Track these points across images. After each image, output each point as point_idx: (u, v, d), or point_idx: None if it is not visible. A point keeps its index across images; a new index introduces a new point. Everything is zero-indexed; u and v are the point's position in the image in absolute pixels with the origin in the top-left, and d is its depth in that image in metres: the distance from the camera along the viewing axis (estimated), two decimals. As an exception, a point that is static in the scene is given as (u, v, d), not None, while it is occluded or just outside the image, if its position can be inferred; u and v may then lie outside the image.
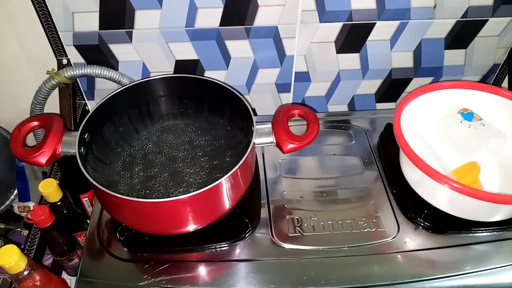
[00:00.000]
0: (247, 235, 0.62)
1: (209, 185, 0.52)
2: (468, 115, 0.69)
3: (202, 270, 0.59)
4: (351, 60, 0.80)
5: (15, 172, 0.84)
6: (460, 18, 0.74)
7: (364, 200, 0.67)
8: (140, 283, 0.57)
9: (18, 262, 0.52)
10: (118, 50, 0.74)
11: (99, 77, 0.75)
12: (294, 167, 0.74)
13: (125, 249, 0.61)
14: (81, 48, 0.73)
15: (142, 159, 0.68)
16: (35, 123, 0.61)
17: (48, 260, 0.73)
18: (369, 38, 0.76)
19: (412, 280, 0.57)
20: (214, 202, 0.57)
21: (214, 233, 0.61)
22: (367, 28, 0.74)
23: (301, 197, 0.68)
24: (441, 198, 0.61)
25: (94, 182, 0.53)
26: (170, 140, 0.71)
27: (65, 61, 0.74)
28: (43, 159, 0.57)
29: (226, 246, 0.61)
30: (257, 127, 0.60)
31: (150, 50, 0.74)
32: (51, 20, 0.68)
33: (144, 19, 0.69)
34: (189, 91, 0.70)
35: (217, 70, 0.79)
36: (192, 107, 0.72)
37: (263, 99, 0.85)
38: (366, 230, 0.63)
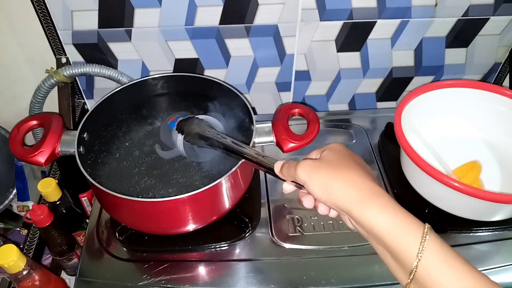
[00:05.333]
0: (247, 234, 0.62)
1: (208, 184, 0.52)
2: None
3: (202, 270, 0.59)
4: (352, 59, 0.79)
5: (14, 172, 0.84)
6: (461, 16, 0.74)
7: (365, 199, 0.67)
8: (140, 283, 0.56)
9: (17, 262, 0.52)
10: (117, 48, 0.74)
11: (98, 76, 0.75)
12: (294, 166, 0.73)
13: (125, 248, 0.61)
14: (80, 47, 0.73)
15: (141, 158, 0.68)
16: (34, 122, 0.61)
17: (47, 259, 0.73)
18: (369, 37, 0.76)
19: (413, 280, 0.57)
20: (214, 201, 0.57)
21: (214, 233, 0.61)
22: (368, 27, 0.74)
23: (301, 196, 0.68)
24: (442, 197, 0.61)
25: (93, 182, 0.53)
26: (170, 139, 0.71)
27: (64, 60, 0.73)
28: (42, 158, 0.57)
29: (226, 246, 0.61)
30: (257, 126, 0.60)
31: (149, 49, 0.74)
32: (50, 18, 0.68)
33: (144, 18, 0.69)
34: (188, 90, 0.70)
35: (217, 69, 0.78)
36: (192, 106, 0.72)
37: (263, 98, 0.85)
38: (366, 230, 0.62)
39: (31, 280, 0.55)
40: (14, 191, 0.86)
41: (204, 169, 0.65)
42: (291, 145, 0.59)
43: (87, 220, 0.74)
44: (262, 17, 0.70)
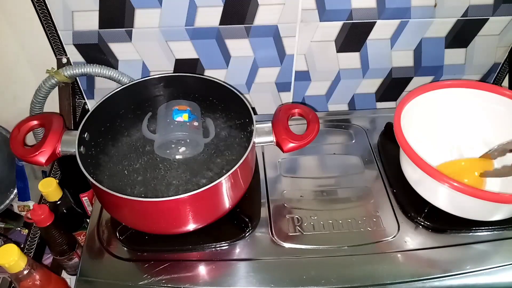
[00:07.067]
0: (247, 234, 0.62)
1: (209, 184, 0.52)
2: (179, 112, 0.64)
3: (202, 270, 0.59)
4: (351, 59, 0.79)
5: (14, 171, 0.84)
6: (461, 17, 0.74)
7: (364, 199, 0.67)
8: (140, 282, 0.56)
9: (17, 262, 0.52)
10: (117, 49, 0.74)
11: (98, 76, 0.75)
12: (294, 166, 0.74)
13: (125, 248, 0.61)
14: (80, 47, 0.73)
15: (142, 158, 0.68)
16: (35, 122, 0.61)
17: (48, 259, 0.73)
18: (369, 37, 0.76)
19: (412, 279, 0.57)
20: (214, 201, 0.57)
21: (214, 233, 0.61)
22: (368, 27, 0.74)
23: (301, 196, 0.68)
24: (441, 197, 0.61)
25: (94, 181, 0.53)
26: (170, 139, 0.71)
27: (64, 60, 0.74)
28: (42, 158, 0.57)
29: (226, 246, 0.61)
30: (257, 126, 0.60)
31: (150, 49, 0.74)
32: (51, 19, 0.68)
33: (144, 18, 0.69)
34: (189, 90, 0.70)
35: (217, 69, 0.79)
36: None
37: (263, 98, 0.85)
38: (366, 230, 0.63)
39: (31, 279, 0.55)
40: (15, 191, 0.86)
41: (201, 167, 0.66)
42: (291, 145, 0.59)
43: (88, 220, 0.74)
44: (262, 17, 0.71)
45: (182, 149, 0.64)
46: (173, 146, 0.64)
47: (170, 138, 0.63)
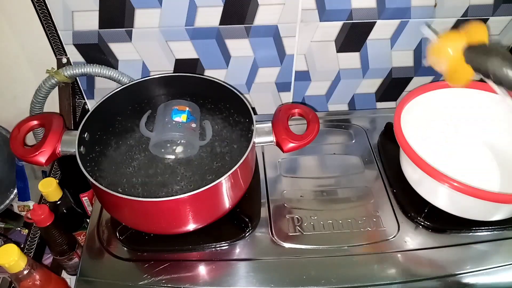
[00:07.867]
0: (247, 234, 0.62)
1: (209, 184, 0.52)
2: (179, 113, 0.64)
3: (202, 270, 0.59)
4: (351, 59, 0.79)
5: (14, 171, 0.84)
6: (461, 17, 0.74)
7: (364, 199, 0.67)
8: (140, 282, 0.57)
9: (18, 262, 0.53)
10: (117, 49, 0.74)
11: (98, 76, 0.75)
12: (294, 166, 0.74)
13: (125, 248, 0.61)
14: (80, 47, 0.73)
15: (142, 158, 0.68)
16: (35, 122, 0.61)
17: (48, 259, 0.73)
18: (369, 37, 0.76)
19: (412, 279, 0.57)
20: (214, 201, 0.57)
21: (214, 233, 0.61)
22: (368, 27, 0.74)
23: (301, 196, 0.68)
24: (441, 197, 0.61)
25: (94, 181, 0.53)
26: (170, 139, 0.71)
27: (64, 60, 0.74)
28: (42, 158, 0.57)
29: (226, 246, 0.61)
30: (257, 126, 0.60)
31: (150, 49, 0.74)
32: (51, 19, 0.68)
33: (144, 18, 0.69)
34: (189, 90, 0.70)
35: (217, 69, 0.79)
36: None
37: (263, 98, 0.85)
38: (366, 230, 0.63)
39: (31, 279, 0.55)
40: (15, 191, 0.86)
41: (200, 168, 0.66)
42: (291, 145, 0.59)
43: (88, 220, 0.74)
44: (262, 17, 0.71)
45: (177, 149, 0.64)
46: (168, 145, 0.64)
47: (165, 138, 0.63)
